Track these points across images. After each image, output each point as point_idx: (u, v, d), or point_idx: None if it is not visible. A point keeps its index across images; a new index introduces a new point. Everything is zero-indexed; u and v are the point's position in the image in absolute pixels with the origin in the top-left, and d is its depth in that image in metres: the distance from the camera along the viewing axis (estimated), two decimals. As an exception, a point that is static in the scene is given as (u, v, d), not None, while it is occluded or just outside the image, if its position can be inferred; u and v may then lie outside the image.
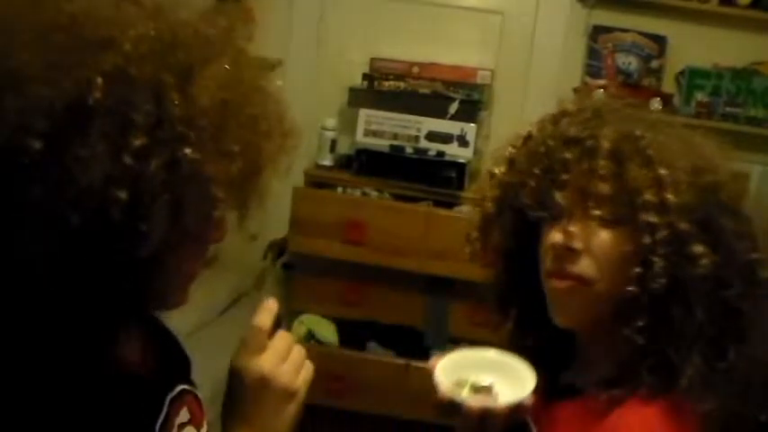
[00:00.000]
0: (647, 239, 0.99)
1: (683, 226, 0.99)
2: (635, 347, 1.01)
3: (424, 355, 2.57)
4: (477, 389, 1.03)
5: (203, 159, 0.72)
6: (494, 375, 1.04)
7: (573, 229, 1.03)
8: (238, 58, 0.78)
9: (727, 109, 3.10)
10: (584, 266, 1.03)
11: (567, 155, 1.03)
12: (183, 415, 0.87)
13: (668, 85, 3.22)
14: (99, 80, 0.68)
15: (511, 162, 1.11)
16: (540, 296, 1.10)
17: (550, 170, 1.04)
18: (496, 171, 1.13)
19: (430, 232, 2.90)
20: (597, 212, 1.02)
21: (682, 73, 3.19)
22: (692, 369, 0.99)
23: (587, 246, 1.02)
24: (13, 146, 0.66)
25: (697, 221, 1.00)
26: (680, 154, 1.04)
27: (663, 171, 1.00)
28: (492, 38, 3.30)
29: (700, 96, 3.12)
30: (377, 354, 3.04)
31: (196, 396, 0.93)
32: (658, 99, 3.06)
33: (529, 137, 1.11)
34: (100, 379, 0.75)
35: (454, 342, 2.54)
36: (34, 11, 0.71)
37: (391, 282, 2.99)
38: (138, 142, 0.68)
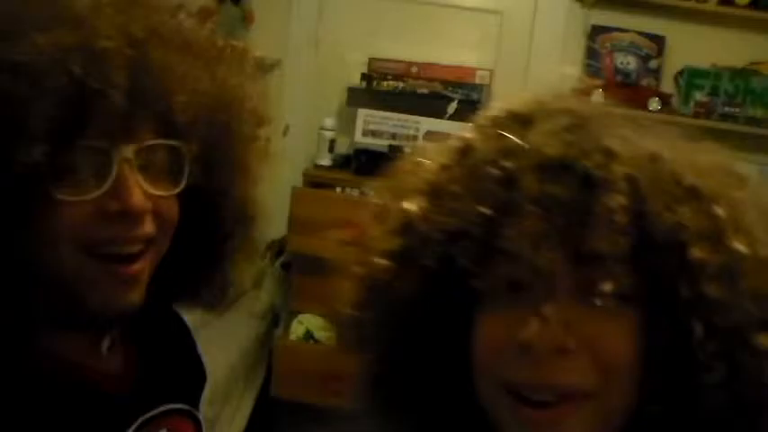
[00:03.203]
0: (698, 331, 0.58)
1: (752, 308, 0.59)
2: None
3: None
4: None
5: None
6: None
7: (564, 315, 0.60)
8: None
9: (726, 109, 3.10)
10: (582, 375, 0.60)
11: (552, 188, 0.59)
12: None
13: (667, 85, 3.22)
14: None
15: (435, 192, 0.66)
16: (450, 392, 0.69)
17: (512, 211, 0.60)
18: (409, 207, 0.67)
19: (428, 232, 2.88)
20: (608, 286, 0.58)
21: (680, 73, 3.20)
22: None
23: (588, 343, 0.60)
24: None
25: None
26: (729, 185, 0.65)
27: (720, 211, 0.61)
28: (490, 38, 3.30)
29: (698, 96, 3.12)
30: (375, 353, 3.04)
31: (193, 417, 0.91)
32: (657, 99, 3.06)
33: (467, 149, 0.67)
34: (33, 391, 0.74)
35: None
36: None
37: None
38: None
